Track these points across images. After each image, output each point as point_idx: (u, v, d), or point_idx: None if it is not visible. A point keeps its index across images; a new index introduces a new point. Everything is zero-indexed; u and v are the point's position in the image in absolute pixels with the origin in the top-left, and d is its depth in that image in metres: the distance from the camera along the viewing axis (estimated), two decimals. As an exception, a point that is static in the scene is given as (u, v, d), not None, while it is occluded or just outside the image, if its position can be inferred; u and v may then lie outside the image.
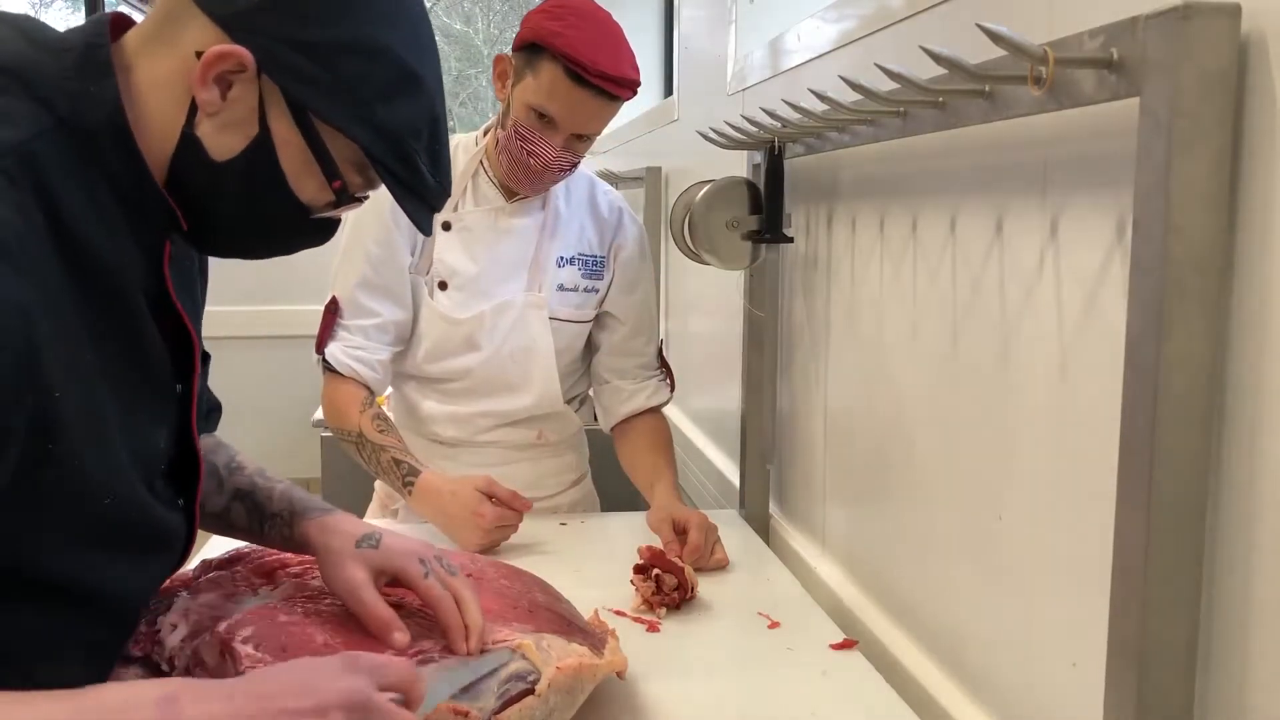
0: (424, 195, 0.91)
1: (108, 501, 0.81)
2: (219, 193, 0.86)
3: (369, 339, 1.68)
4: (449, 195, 0.94)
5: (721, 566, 1.51)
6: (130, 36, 0.85)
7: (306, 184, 0.87)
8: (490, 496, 1.53)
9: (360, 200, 0.92)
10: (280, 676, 0.77)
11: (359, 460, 1.66)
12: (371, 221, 1.66)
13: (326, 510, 1.09)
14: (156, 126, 0.83)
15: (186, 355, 0.92)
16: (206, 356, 1.03)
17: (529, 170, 1.61)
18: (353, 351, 1.68)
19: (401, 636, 0.96)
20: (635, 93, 1.57)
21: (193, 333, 0.92)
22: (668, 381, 1.84)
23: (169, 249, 0.89)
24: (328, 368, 1.69)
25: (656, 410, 1.82)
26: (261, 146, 0.84)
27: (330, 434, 1.75)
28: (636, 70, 1.56)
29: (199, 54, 0.81)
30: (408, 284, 1.69)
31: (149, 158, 0.83)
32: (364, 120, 0.84)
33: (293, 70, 0.82)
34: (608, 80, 1.51)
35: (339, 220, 0.94)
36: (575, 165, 1.64)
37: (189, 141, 0.83)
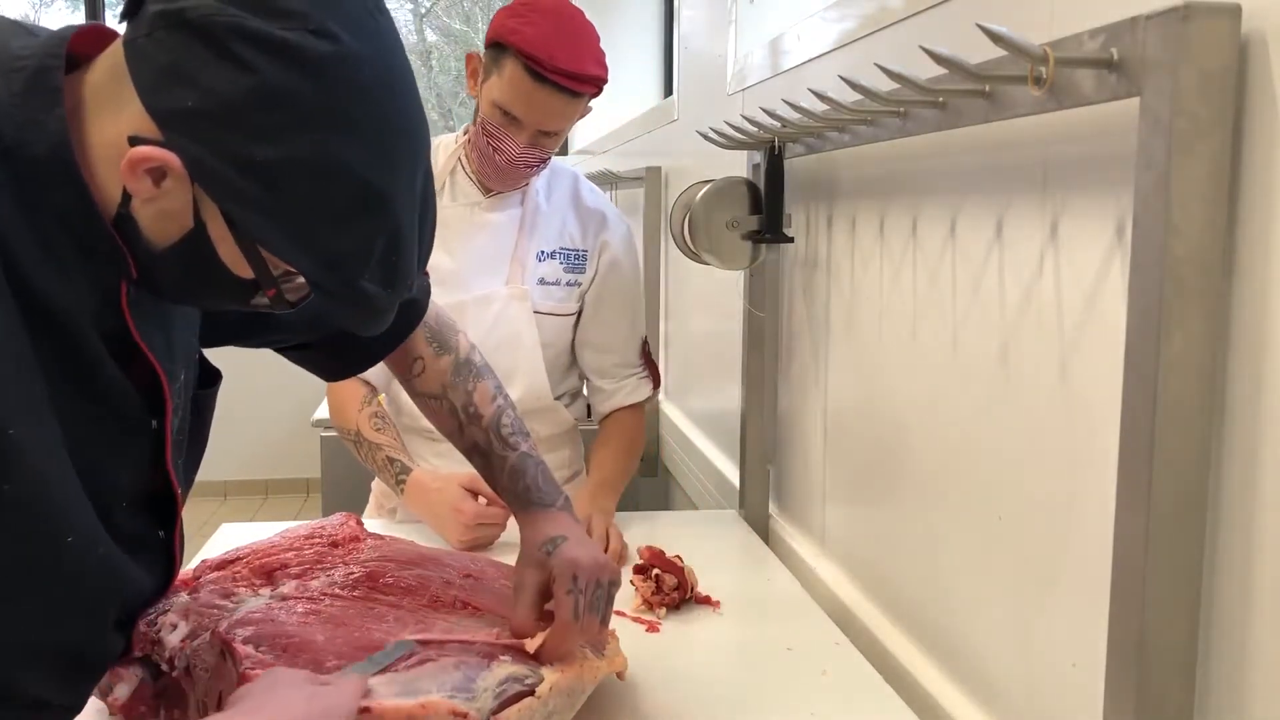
0: (368, 307, 0.81)
1: (70, 540, 0.78)
2: (158, 269, 0.80)
3: None
4: (409, 293, 0.84)
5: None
6: (88, 79, 0.77)
7: (246, 273, 0.79)
8: (474, 494, 1.54)
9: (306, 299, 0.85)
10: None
11: (357, 457, 1.68)
12: None
13: (542, 506, 1.13)
14: (102, 181, 0.76)
15: (158, 391, 0.88)
16: (216, 376, 1.01)
17: (495, 166, 1.63)
18: None
19: (530, 645, 0.99)
20: (599, 89, 1.58)
21: (159, 371, 0.87)
22: (649, 379, 1.85)
23: (126, 289, 0.83)
24: None
25: (636, 407, 1.83)
26: (196, 240, 0.77)
27: (330, 434, 1.75)
28: (600, 66, 1.56)
29: (131, 141, 0.73)
30: None
31: (99, 198, 0.76)
32: (303, 246, 0.75)
33: (226, 185, 0.72)
34: (566, 76, 1.51)
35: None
36: (544, 161, 1.65)
37: (126, 219, 0.76)
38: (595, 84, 1.56)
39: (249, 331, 1.06)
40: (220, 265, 0.78)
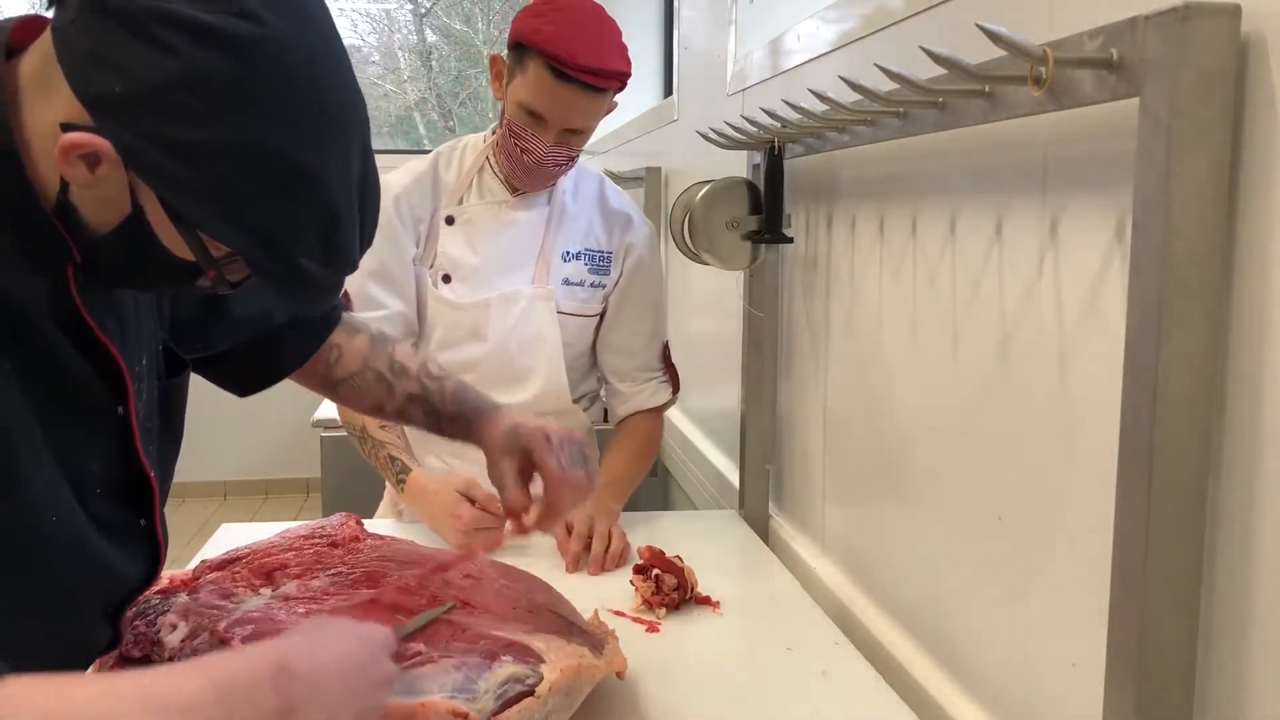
0: (309, 286, 0.81)
1: (54, 519, 0.79)
2: (101, 254, 0.80)
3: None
4: (353, 269, 0.85)
5: (615, 563, 1.52)
6: (23, 66, 0.77)
7: (188, 255, 0.80)
8: (471, 499, 1.53)
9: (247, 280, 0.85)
10: (347, 647, 0.80)
11: (361, 453, 1.68)
12: None
13: (491, 407, 1.22)
14: (42, 168, 0.76)
15: (119, 377, 0.88)
16: (182, 365, 1.01)
17: (524, 167, 1.63)
18: None
19: (529, 519, 1.12)
20: (623, 83, 1.57)
21: (116, 356, 0.87)
22: (669, 383, 1.84)
23: (73, 273, 0.83)
24: None
25: (654, 412, 1.82)
26: (135, 224, 0.77)
27: (330, 434, 1.76)
28: (623, 60, 1.56)
29: (63, 126, 0.73)
30: (412, 277, 1.71)
31: (40, 186, 0.76)
32: (236, 224, 0.75)
33: (156, 169, 0.73)
34: (589, 73, 1.51)
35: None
36: (572, 160, 1.65)
37: (67, 206, 0.77)
38: (619, 79, 1.55)
39: (206, 331, 1.07)
40: (161, 248, 0.79)
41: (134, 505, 0.92)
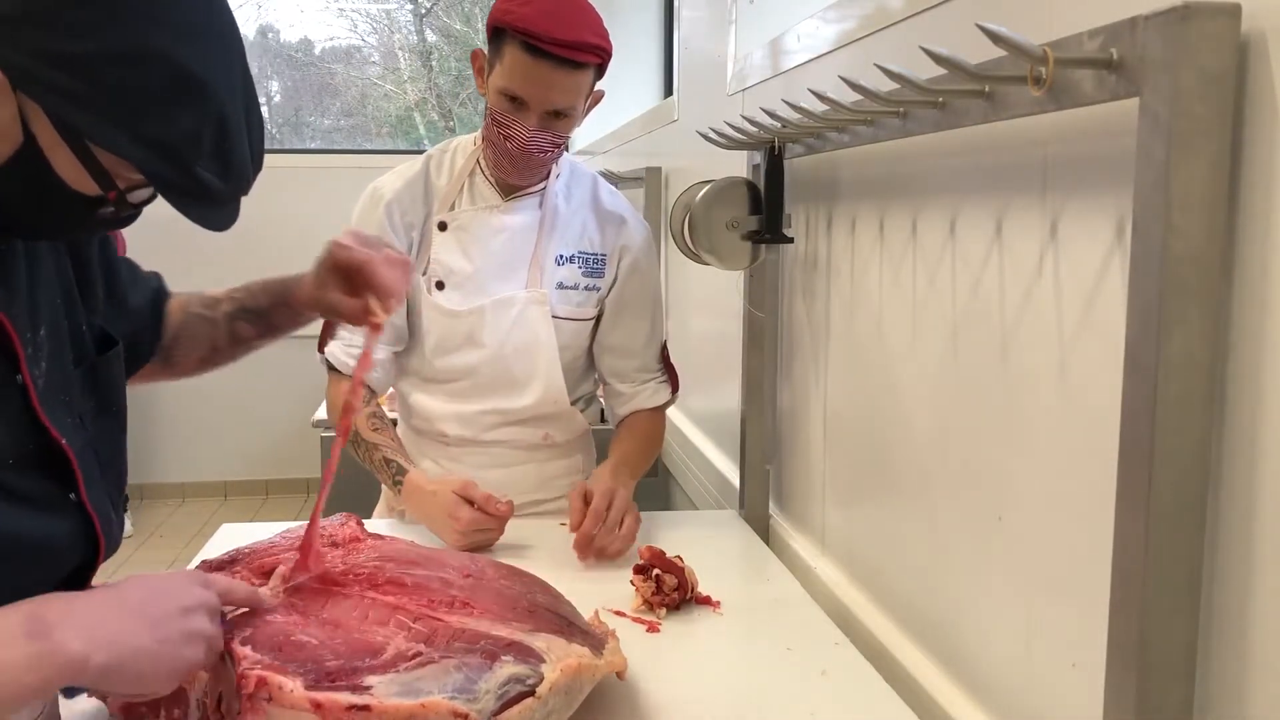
0: (210, 198, 0.85)
1: None
2: None
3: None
4: (249, 186, 0.89)
5: (625, 544, 1.52)
6: None
7: (86, 185, 0.83)
8: (469, 500, 1.53)
9: (150, 200, 0.89)
10: (139, 585, 0.81)
11: (355, 456, 1.68)
12: (367, 221, 1.68)
13: (296, 275, 1.24)
14: None
15: (7, 342, 0.89)
16: (111, 341, 1.03)
17: (508, 154, 1.61)
18: (352, 350, 1.72)
19: (375, 320, 1.16)
20: (601, 60, 1.56)
21: (7, 323, 0.88)
22: (669, 383, 1.83)
23: None
24: (330, 367, 1.74)
25: (655, 410, 1.82)
26: (29, 155, 0.80)
27: (329, 435, 1.76)
28: (599, 35, 1.55)
29: None
30: None
31: None
32: (131, 135, 0.79)
33: (48, 85, 0.76)
34: (564, 46, 1.49)
35: (139, 208, 0.90)
36: (558, 146, 1.63)
37: None
38: (596, 53, 1.53)
39: (112, 320, 1.09)
40: (57, 181, 0.81)
41: (55, 479, 0.93)
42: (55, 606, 0.77)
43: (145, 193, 0.86)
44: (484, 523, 1.53)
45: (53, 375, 0.94)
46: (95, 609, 0.78)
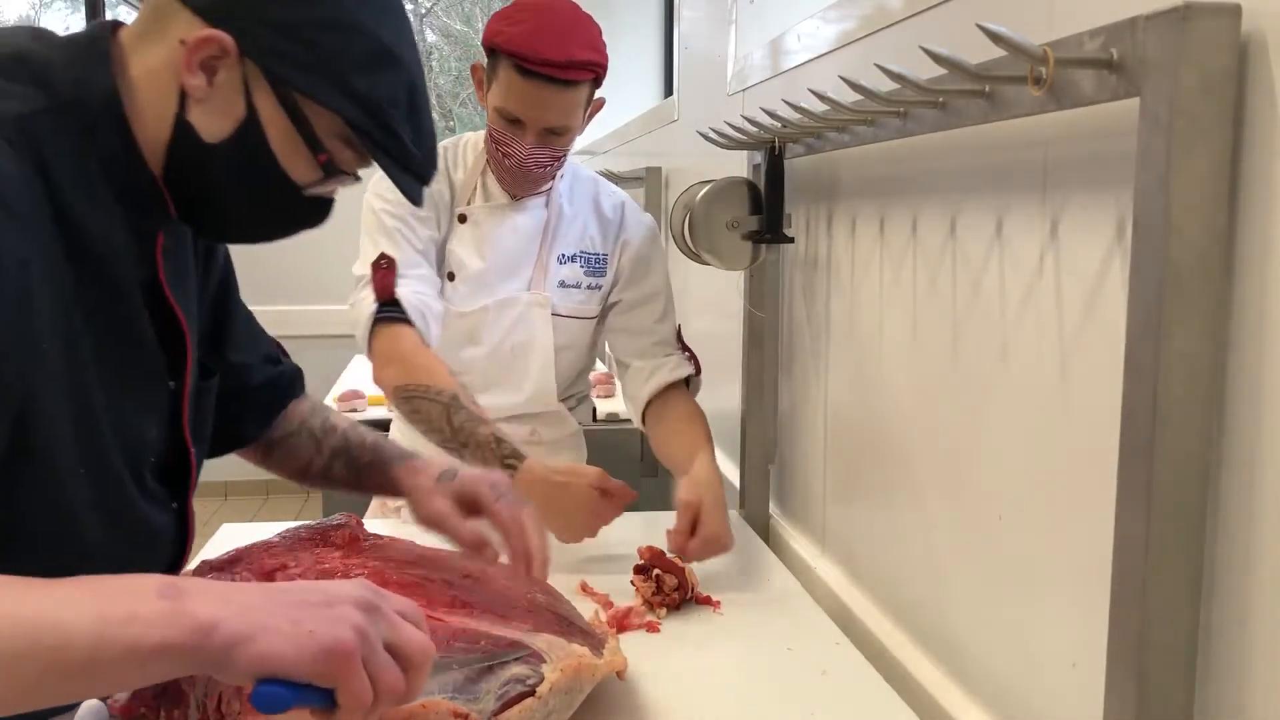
0: (409, 164, 0.94)
1: (82, 472, 0.83)
2: (213, 174, 0.90)
3: (429, 287, 1.64)
4: (435, 166, 0.98)
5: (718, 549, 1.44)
6: (124, 33, 0.90)
7: (296, 162, 0.90)
8: (603, 492, 1.43)
9: (351, 176, 0.95)
10: (293, 585, 0.78)
11: (432, 420, 1.49)
12: (392, 208, 1.67)
13: (410, 455, 1.26)
14: (151, 115, 0.87)
15: (181, 351, 0.94)
16: (212, 371, 1.05)
17: (509, 172, 1.63)
18: (421, 295, 1.60)
19: (491, 552, 1.14)
20: (594, 73, 1.54)
21: (185, 327, 0.94)
22: (691, 360, 1.75)
23: (162, 240, 0.92)
24: (388, 318, 1.57)
25: (682, 388, 1.72)
26: (250, 126, 0.88)
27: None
28: (592, 51, 1.53)
29: (183, 42, 0.85)
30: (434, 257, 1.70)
31: (144, 147, 0.88)
32: (343, 91, 0.88)
33: (271, 50, 0.86)
34: (554, 66, 1.49)
35: (332, 200, 0.97)
36: (557, 160, 1.63)
37: (182, 126, 0.88)
38: (588, 69, 1.53)
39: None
40: (271, 158, 0.89)
41: (170, 487, 0.96)
42: (191, 580, 0.77)
43: (349, 167, 0.93)
44: (614, 516, 1.46)
45: (193, 393, 1.00)
46: (233, 588, 0.75)
